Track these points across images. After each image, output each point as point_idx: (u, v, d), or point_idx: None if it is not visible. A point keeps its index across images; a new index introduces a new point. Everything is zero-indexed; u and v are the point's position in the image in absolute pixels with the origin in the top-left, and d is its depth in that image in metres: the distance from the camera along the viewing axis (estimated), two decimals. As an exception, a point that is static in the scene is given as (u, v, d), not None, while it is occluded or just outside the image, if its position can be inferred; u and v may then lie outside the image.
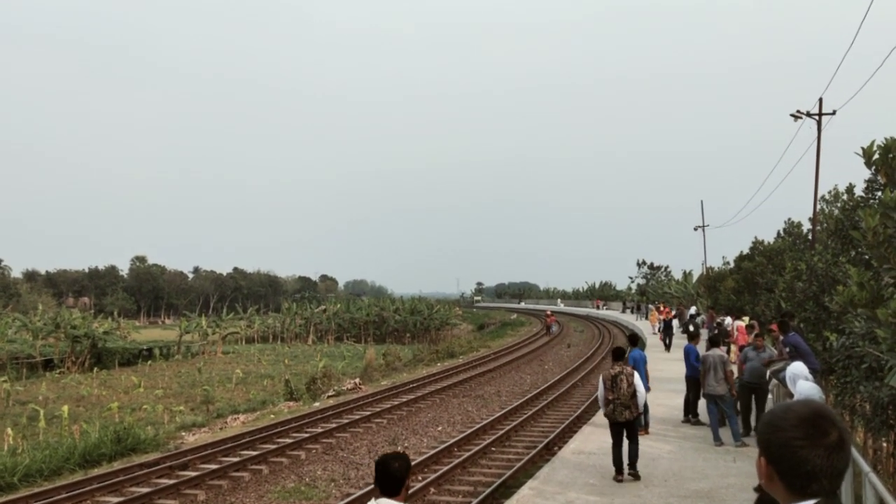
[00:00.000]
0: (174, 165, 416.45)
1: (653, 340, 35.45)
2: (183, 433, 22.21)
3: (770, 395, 13.91)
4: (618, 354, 11.84)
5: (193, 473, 15.31)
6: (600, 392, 11.31)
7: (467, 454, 15.66)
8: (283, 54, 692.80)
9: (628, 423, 11.03)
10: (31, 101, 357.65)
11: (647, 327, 47.71)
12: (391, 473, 4.19)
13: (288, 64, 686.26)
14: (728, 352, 19.67)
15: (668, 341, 32.27)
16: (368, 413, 21.68)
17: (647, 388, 14.02)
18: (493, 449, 16.77)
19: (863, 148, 8.25)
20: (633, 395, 10.93)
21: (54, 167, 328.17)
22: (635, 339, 15.90)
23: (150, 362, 52.21)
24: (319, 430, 19.37)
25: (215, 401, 29.58)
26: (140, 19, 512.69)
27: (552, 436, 17.28)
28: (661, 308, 47.20)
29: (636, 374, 11.23)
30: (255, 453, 16.75)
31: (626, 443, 11.15)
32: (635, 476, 11.03)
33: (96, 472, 16.35)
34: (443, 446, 16.53)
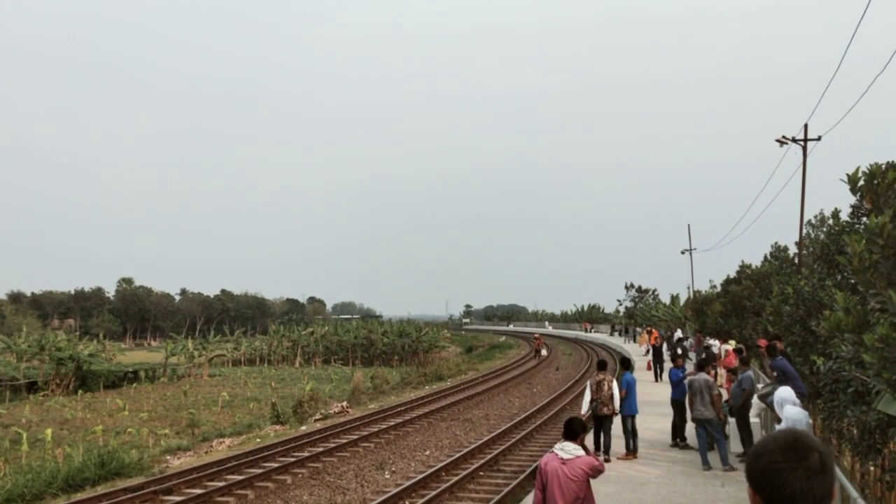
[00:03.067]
0: (163, 187, 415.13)
1: (640, 363, 35.34)
2: (168, 457, 21.99)
3: (758, 420, 13.94)
4: (602, 366, 15.00)
5: (178, 498, 15.14)
6: (587, 393, 14.56)
7: (455, 479, 15.55)
8: (272, 73, 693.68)
9: (606, 417, 14.39)
10: (18, 115, 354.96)
11: (633, 349, 47.76)
12: (572, 427, 6.95)
13: (276, 81, 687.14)
14: (716, 376, 19.69)
15: (658, 369, 30.20)
16: (355, 437, 21.53)
17: (636, 411, 14.92)
18: (482, 473, 16.67)
19: (848, 174, 8.32)
20: (612, 396, 14.32)
21: (39, 187, 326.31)
22: (627, 363, 16.19)
23: (135, 385, 51.78)
24: (306, 454, 19.21)
25: (201, 424, 29.34)
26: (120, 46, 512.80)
27: (541, 460, 17.18)
28: (651, 331, 46.67)
29: (615, 382, 14.56)
30: (240, 478, 16.58)
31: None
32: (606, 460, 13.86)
33: (79, 496, 16.13)
34: (430, 471, 16.41)
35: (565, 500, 6.58)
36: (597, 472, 6.79)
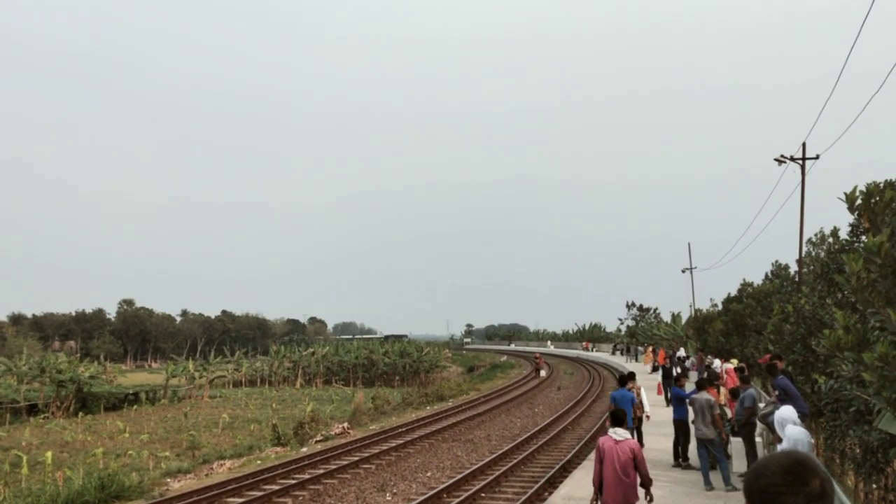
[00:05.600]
0: (163, 208, 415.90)
1: (645, 383, 34.79)
2: (168, 479, 21.89)
3: (760, 440, 13.90)
4: (626, 379, 16.70)
5: (178, 521, 15.07)
6: None
7: (456, 500, 15.47)
8: (268, 87, 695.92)
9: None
10: (16, 131, 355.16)
11: (635, 369, 47.58)
12: (617, 416, 8.84)
13: (271, 94, 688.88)
14: (718, 394, 19.59)
15: (668, 394, 27.38)
16: (357, 458, 21.44)
17: (632, 428, 15.07)
18: (483, 495, 16.58)
19: (846, 193, 8.35)
20: (640, 404, 16.77)
21: (39, 208, 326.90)
22: (623, 380, 16.43)
23: (136, 407, 51.67)
24: (307, 476, 19.13)
25: (201, 446, 29.24)
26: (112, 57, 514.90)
27: (542, 481, 17.12)
28: (657, 351, 46.11)
29: (642, 389, 17.04)
30: (240, 500, 16.50)
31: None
32: None
33: (79, 520, 16.07)
34: (432, 492, 16.32)
35: (617, 473, 8.30)
36: (641, 453, 8.48)
